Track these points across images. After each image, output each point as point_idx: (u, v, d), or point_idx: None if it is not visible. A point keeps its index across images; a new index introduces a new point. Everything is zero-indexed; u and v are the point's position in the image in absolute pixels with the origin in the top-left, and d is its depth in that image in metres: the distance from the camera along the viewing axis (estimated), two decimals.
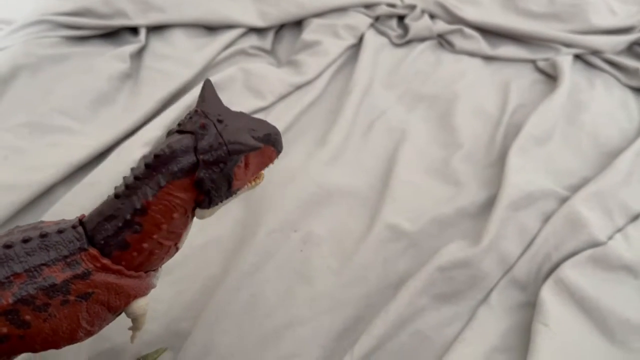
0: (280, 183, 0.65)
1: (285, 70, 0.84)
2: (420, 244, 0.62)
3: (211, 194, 0.38)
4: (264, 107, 0.77)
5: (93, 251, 0.37)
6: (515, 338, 0.54)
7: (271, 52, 0.92)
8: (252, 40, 0.90)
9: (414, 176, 0.69)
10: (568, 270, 0.58)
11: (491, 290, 0.58)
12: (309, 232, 0.62)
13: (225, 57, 0.86)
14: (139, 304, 0.40)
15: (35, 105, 0.73)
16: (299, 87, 0.81)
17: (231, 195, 0.40)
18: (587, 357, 0.52)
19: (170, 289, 0.56)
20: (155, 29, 0.88)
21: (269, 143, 0.40)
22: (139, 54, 0.85)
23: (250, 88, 0.78)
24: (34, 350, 0.37)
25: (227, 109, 0.40)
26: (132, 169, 0.38)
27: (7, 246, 0.35)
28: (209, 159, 0.37)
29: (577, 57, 0.92)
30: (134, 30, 0.89)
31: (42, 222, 0.39)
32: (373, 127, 0.76)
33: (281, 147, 0.42)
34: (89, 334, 0.39)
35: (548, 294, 0.56)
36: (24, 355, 0.39)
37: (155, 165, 0.36)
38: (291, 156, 0.69)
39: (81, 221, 0.38)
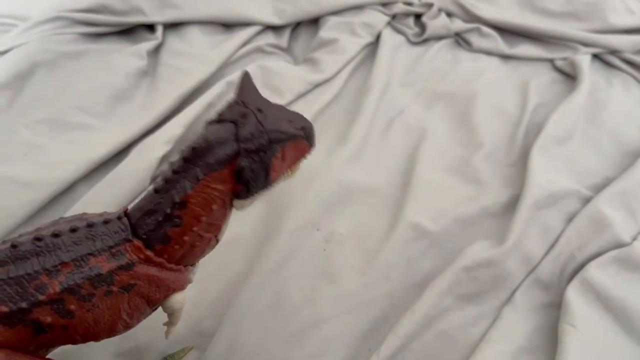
0: (301, 181, 0.65)
1: (303, 68, 0.84)
2: (442, 243, 0.61)
3: (250, 184, 0.38)
4: (283, 105, 0.76)
5: (137, 242, 0.37)
6: (540, 338, 0.54)
7: (287, 50, 0.92)
8: (269, 38, 0.90)
9: (435, 175, 0.69)
10: (593, 271, 0.57)
11: (515, 290, 0.58)
12: (331, 231, 0.61)
13: (242, 54, 0.86)
14: (177, 298, 0.40)
15: (53, 101, 0.72)
16: (317, 85, 0.81)
17: (267, 187, 0.40)
18: (613, 357, 0.51)
19: (194, 288, 0.55)
20: (172, 26, 0.88)
21: (304, 136, 0.40)
22: (155, 51, 0.84)
23: (269, 86, 0.78)
24: (74, 342, 0.37)
25: (266, 100, 0.40)
26: (171, 163, 0.38)
27: (55, 235, 0.35)
28: (250, 147, 0.37)
29: (595, 56, 0.92)
30: (150, 27, 0.89)
31: (85, 213, 0.39)
32: (392, 126, 0.76)
33: (314, 142, 0.42)
34: (128, 327, 0.39)
35: (574, 295, 0.55)
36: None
37: (192, 158, 0.37)
38: (312, 154, 0.69)
39: (126, 213, 0.38)
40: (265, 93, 0.77)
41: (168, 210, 0.37)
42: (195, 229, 0.38)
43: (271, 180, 0.39)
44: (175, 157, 0.38)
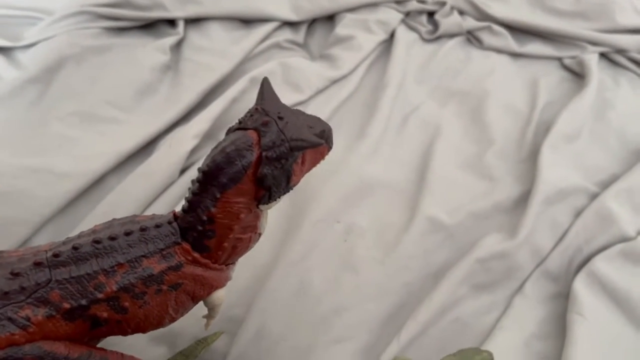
0: (322, 175, 0.68)
1: (320, 64, 0.86)
2: (457, 236, 0.64)
3: (272, 190, 0.40)
4: (302, 100, 0.79)
5: (186, 245, 0.40)
6: (550, 326, 0.57)
7: (303, 46, 0.94)
8: (286, 34, 0.92)
9: (450, 171, 0.72)
10: (599, 264, 0.60)
11: (525, 281, 0.61)
12: (352, 223, 0.64)
13: (261, 50, 0.88)
14: (218, 295, 0.43)
15: (82, 95, 0.75)
16: (334, 82, 0.83)
17: (288, 191, 0.42)
18: (620, 346, 0.55)
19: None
20: (193, 22, 0.91)
21: (324, 139, 0.42)
22: (177, 46, 0.87)
23: (289, 82, 0.80)
24: (125, 334, 0.40)
25: (285, 106, 0.42)
26: (192, 183, 0.40)
27: (112, 238, 0.38)
28: (272, 155, 0.38)
29: (602, 55, 0.94)
30: (171, 22, 0.91)
31: (136, 216, 0.42)
32: (408, 122, 0.79)
33: (332, 143, 0.44)
34: (172, 320, 0.42)
35: (581, 286, 0.59)
36: None
37: (206, 180, 0.39)
38: (332, 149, 0.72)
39: (175, 216, 0.41)
40: (285, 89, 0.80)
41: (200, 227, 0.39)
42: (230, 236, 0.40)
43: (292, 184, 0.42)
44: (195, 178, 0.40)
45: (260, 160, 0.39)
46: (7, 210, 0.59)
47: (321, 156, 0.44)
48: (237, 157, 0.38)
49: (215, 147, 0.40)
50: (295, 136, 0.39)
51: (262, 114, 0.40)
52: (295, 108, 0.43)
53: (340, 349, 0.54)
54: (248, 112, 0.41)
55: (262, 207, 0.41)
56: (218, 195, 0.39)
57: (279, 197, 0.42)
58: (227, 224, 0.40)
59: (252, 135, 0.39)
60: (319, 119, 0.43)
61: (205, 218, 0.39)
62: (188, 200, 0.40)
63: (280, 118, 0.40)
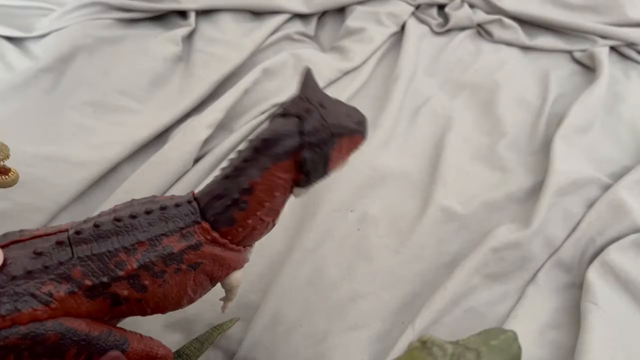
0: None
1: (332, 56, 0.87)
2: (470, 226, 0.65)
3: (310, 174, 0.41)
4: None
5: (205, 225, 0.40)
6: (564, 315, 0.57)
7: (314, 38, 0.94)
8: (297, 26, 0.93)
9: (462, 161, 0.72)
10: (613, 254, 0.61)
11: (538, 270, 0.61)
12: (365, 212, 0.65)
13: (272, 42, 0.88)
14: (236, 276, 0.44)
15: (96, 84, 0.75)
16: (346, 73, 0.84)
17: (324, 176, 0.43)
18: (634, 335, 0.55)
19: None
20: (204, 13, 0.91)
21: (361, 130, 0.43)
22: (189, 37, 0.87)
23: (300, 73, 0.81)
24: (144, 314, 0.40)
25: (326, 95, 0.42)
26: (239, 151, 0.41)
27: (133, 216, 0.38)
28: (314, 140, 0.39)
29: (613, 49, 0.94)
30: (182, 14, 0.91)
31: (155, 196, 0.42)
32: (419, 114, 0.79)
33: (367, 134, 0.45)
34: (191, 301, 0.42)
35: (594, 276, 0.59)
36: None
37: (261, 148, 0.39)
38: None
39: (194, 197, 0.41)
40: (297, 79, 0.80)
41: (236, 195, 0.40)
42: (258, 213, 0.41)
43: (329, 170, 0.42)
44: (244, 147, 0.41)
45: (303, 145, 0.39)
46: (23, 197, 0.60)
47: (356, 145, 0.44)
48: (291, 134, 0.39)
49: (267, 127, 0.41)
50: (336, 122, 0.40)
51: (305, 101, 0.41)
52: (336, 98, 0.43)
53: (355, 336, 0.54)
54: (291, 99, 0.42)
55: (295, 190, 0.42)
56: (268, 165, 0.39)
57: (315, 182, 0.42)
58: (262, 198, 0.40)
59: (296, 121, 0.40)
60: (356, 109, 0.44)
61: (246, 186, 0.39)
62: (235, 166, 0.40)
63: (322, 106, 0.41)
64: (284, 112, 0.41)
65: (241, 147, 0.42)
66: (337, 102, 0.43)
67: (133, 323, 0.52)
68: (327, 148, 0.40)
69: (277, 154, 0.39)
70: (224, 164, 0.42)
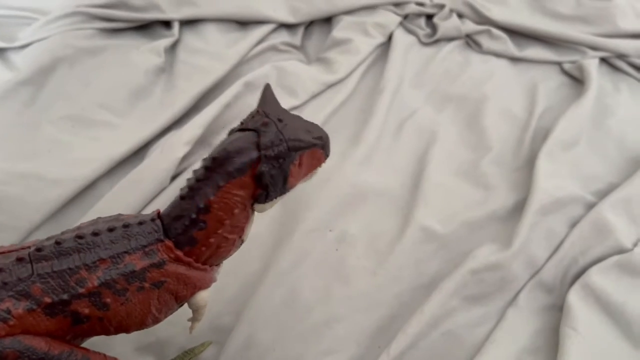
0: (315, 182, 0.67)
1: (316, 68, 0.86)
2: (450, 246, 0.64)
3: (269, 189, 0.41)
4: (297, 105, 0.78)
5: (168, 243, 0.40)
6: (543, 339, 0.57)
7: (300, 48, 0.93)
8: (283, 36, 0.92)
9: (445, 178, 0.71)
10: (594, 276, 0.60)
11: (519, 292, 0.60)
12: (344, 232, 0.64)
13: (257, 52, 0.87)
14: (202, 296, 0.43)
15: (75, 98, 0.74)
16: (330, 86, 0.83)
17: (285, 192, 0.43)
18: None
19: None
20: (188, 23, 0.90)
21: (321, 145, 0.43)
22: (172, 48, 0.86)
23: (283, 86, 0.80)
24: (108, 333, 0.40)
25: (285, 111, 0.43)
26: (194, 171, 0.41)
27: (95, 234, 0.38)
28: (271, 153, 0.39)
29: (603, 60, 0.93)
30: (166, 24, 0.90)
31: (121, 214, 0.42)
32: (403, 128, 0.78)
33: (329, 152, 0.45)
34: (156, 321, 0.42)
35: (575, 299, 0.58)
36: None
37: (213, 167, 0.39)
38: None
39: (159, 215, 0.41)
40: (280, 93, 0.79)
41: (193, 215, 0.40)
42: (219, 231, 0.41)
43: (289, 185, 0.42)
44: (199, 166, 0.41)
45: (260, 159, 0.40)
46: None
47: (318, 162, 0.44)
48: (245, 150, 0.39)
49: (221, 143, 0.41)
50: (294, 137, 0.40)
51: (263, 116, 0.41)
52: (295, 114, 0.44)
53: None
54: (250, 114, 0.42)
55: (256, 207, 0.42)
56: (221, 184, 0.39)
57: (275, 198, 0.42)
58: (221, 216, 0.40)
59: (253, 135, 0.40)
60: (317, 125, 0.44)
61: (202, 205, 0.40)
62: (189, 186, 0.40)
63: (280, 120, 0.41)
64: (241, 126, 0.42)
65: (195, 166, 0.42)
66: (297, 118, 0.43)
67: (104, 345, 0.51)
68: (285, 162, 0.40)
69: (230, 171, 0.39)
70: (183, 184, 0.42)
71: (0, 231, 0.59)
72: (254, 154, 0.39)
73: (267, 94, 0.44)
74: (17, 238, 0.59)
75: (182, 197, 0.41)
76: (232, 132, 0.42)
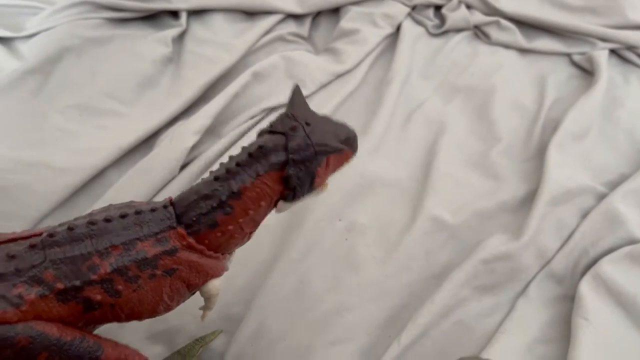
0: None
1: (324, 58, 0.85)
2: (460, 236, 0.63)
3: (296, 190, 0.41)
4: (305, 95, 0.78)
5: (181, 230, 0.40)
6: (554, 330, 0.56)
7: (308, 39, 0.93)
8: (290, 27, 0.91)
9: (454, 169, 0.70)
10: (606, 266, 0.59)
11: (529, 282, 0.60)
12: (353, 222, 0.63)
13: (264, 43, 0.87)
14: (214, 284, 0.43)
15: (82, 87, 0.74)
16: (339, 76, 0.82)
17: (311, 192, 0.43)
18: (625, 351, 0.54)
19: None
20: (195, 13, 0.89)
21: (347, 145, 0.44)
22: (179, 38, 0.86)
23: (292, 76, 0.79)
24: (120, 320, 0.39)
25: (314, 113, 0.43)
26: (232, 157, 0.42)
27: (107, 220, 0.38)
28: (298, 158, 0.40)
29: (613, 51, 0.92)
30: (173, 14, 0.90)
31: (133, 201, 0.42)
32: (412, 118, 0.77)
33: (357, 149, 0.46)
34: (168, 308, 0.41)
35: (586, 289, 0.58)
36: None
37: (257, 155, 0.40)
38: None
39: (172, 202, 0.41)
40: (288, 83, 0.78)
41: (224, 198, 0.40)
42: (240, 220, 0.41)
43: (315, 186, 0.43)
44: (238, 152, 0.42)
45: (287, 162, 0.40)
46: (4, 205, 0.59)
47: (345, 161, 0.45)
48: (279, 150, 0.41)
49: (255, 142, 0.42)
50: (320, 141, 0.41)
51: (292, 119, 0.42)
52: (324, 115, 0.44)
53: (340, 350, 0.53)
54: (279, 116, 0.43)
55: (280, 204, 0.43)
56: (261, 173, 0.40)
57: (302, 198, 0.43)
58: (248, 205, 0.41)
59: (282, 138, 0.41)
60: (345, 125, 0.45)
61: (235, 190, 0.40)
62: (227, 168, 0.41)
63: (308, 124, 0.42)
64: (271, 129, 0.42)
65: (234, 153, 0.42)
66: (325, 120, 0.43)
67: (115, 333, 0.51)
68: (311, 165, 0.41)
69: (272, 162, 0.40)
70: (215, 167, 0.42)
71: (9, 220, 0.58)
72: (283, 156, 0.40)
73: (296, 96, 0.44)
74: (25, 226, 0.58)
75: (216, 178, 0.41)
76: (261, 133, 0.43)
